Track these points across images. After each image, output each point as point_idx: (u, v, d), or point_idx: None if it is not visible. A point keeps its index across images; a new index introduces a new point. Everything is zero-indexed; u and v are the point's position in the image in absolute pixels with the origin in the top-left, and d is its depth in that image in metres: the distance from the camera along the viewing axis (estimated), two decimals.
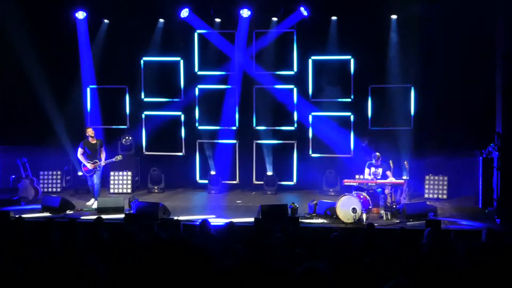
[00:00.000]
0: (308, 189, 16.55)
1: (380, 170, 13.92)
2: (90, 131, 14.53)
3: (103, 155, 14.46)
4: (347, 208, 12.52)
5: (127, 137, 16.78)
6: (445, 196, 15.57)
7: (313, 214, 13.26)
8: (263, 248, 7.00)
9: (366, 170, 14.05)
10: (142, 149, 17.75)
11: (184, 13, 16.74)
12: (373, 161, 14.00)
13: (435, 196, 15.62)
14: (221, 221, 11.74)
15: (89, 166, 14.33)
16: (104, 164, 14.48)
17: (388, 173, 13.85)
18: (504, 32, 13.53)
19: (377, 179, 13.82)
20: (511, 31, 13.48)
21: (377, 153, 14.09)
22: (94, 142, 14.46)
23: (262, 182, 16.95)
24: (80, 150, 14.42)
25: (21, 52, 16.27)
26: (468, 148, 15.10)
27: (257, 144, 17.33)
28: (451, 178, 15.64)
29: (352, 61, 16.67)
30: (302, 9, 16.32)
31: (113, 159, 14.59)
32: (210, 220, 9.85)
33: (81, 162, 14.46)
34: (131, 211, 13.33)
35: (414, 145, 15.97)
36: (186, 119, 17.58)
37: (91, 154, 14.35)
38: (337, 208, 12.65)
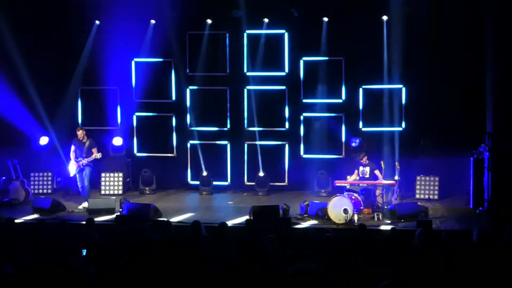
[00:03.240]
0: (299, 190, 16.51)
1: (367, 169, 13.97)
2: (79, 132, 14.44)
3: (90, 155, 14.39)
4: (339, 209, 12.52)
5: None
6: (436, 197, 15.59)
7: (305, 215, 13.25)
8: (255, 249, 6.99)
9: (355, 172, 14.15)
10: (134, 150, 17.69)
11: (176, 14, 16.72)
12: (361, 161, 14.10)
13: (426, 196, 15.64)
14: (212, 222, 11.74)
15: (73, 164, 14.32)
16: (85, 162, 14.33)
17: (377, 172, 13.89)
18: (493, 32, 13.60)
19: (365, 178, 13.85)
20: (500, 31, 13.56)
21: (360, 154, 14.19)
22: (84, 140, 14.40)
23: (253, 183, 16.90)
24: (72, 147, 14.42)
25: (11, 52, 16.16)
26: (459, 148, 15.15)
27: (248, 145, 17.30)
28: (442, 178, 15.67)
29: (343, 61, 16.67)
30: (293, 10, 16.32)
31: (93, 157, 14.30)
32: (201, 221, 9.84)
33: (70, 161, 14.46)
34: (122, 213, 13.30)
35: (405, 145, 15.99)
36: (177, 120, 17.53)
37: (80, 152, 14.33)
38: (328, 209, 12.65)
